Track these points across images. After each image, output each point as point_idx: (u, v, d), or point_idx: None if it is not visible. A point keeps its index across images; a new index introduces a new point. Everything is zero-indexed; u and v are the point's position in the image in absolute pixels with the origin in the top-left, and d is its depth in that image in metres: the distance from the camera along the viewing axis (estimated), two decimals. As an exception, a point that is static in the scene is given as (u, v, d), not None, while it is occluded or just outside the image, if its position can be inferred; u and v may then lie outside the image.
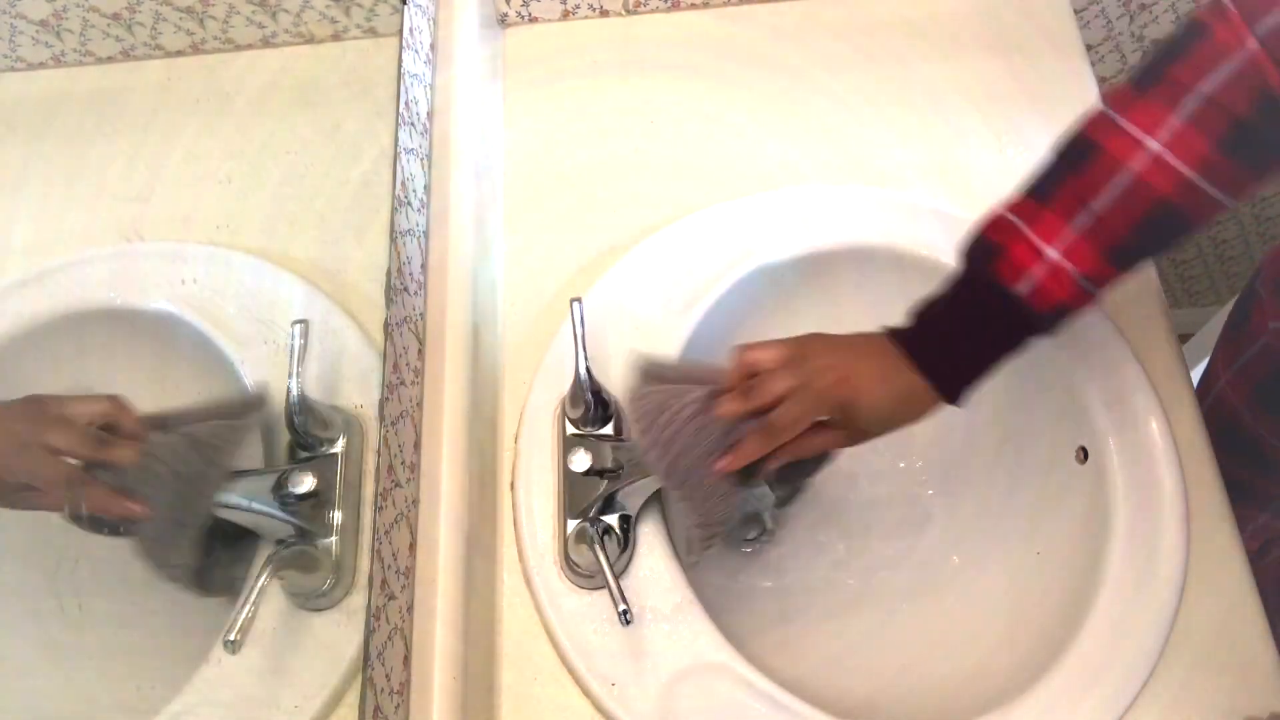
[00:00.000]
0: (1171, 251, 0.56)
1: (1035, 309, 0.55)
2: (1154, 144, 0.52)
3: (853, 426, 0.58)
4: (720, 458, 0.57)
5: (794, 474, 0.62)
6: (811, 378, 0.57)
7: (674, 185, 0.81)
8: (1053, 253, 0.54)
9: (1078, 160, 0.55)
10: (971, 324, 0.57)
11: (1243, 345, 0.79)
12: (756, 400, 0.57)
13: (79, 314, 0.63)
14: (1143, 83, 0.54)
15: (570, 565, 0.66)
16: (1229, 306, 0.89)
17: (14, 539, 0.62)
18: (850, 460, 0.82)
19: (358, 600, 0.58)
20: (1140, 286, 0.77)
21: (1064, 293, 0.54)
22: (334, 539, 0.59)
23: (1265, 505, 0.85)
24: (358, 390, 0.64)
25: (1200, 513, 0.68)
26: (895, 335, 0.58)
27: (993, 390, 0.78)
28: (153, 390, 0.66)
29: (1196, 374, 0.81)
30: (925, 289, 0.77)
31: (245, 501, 0.55)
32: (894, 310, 0.81)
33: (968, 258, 0.58)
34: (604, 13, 0.89)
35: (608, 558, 0.61)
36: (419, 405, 0.63)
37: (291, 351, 0.58)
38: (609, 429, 0.69)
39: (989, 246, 0.56)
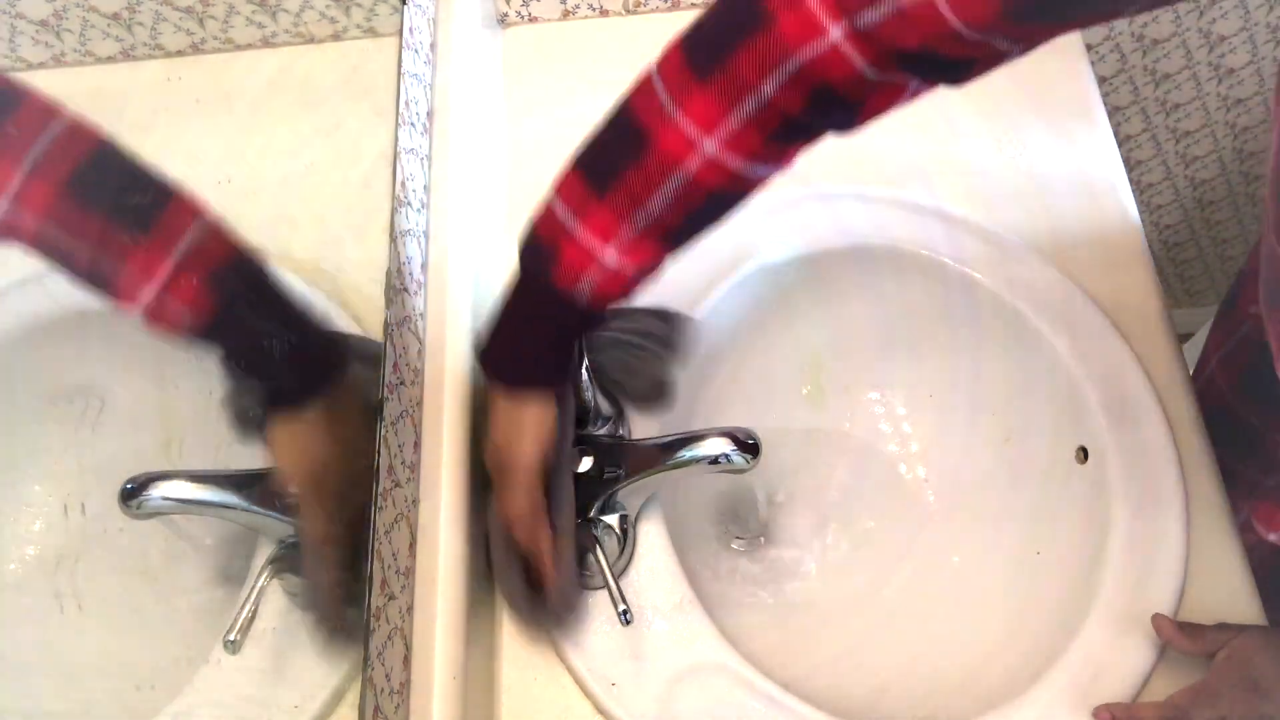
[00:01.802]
0: (719, 225, 0.55)
1: (595, 309, 0.54)
2: (710, 145, 0.49)
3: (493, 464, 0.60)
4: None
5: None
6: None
7: (674, 185, 0.81)
8: (609, 256, 0.52)
9: (631, 148, 0.51)
10: (535, 330, 0.56)
11: (1230, 330, 0.79)
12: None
13: (79, 314, 0.63)
14: (702, 68, 0.49)
15: (570, 565, 0.66)
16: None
17: (14, 539, 0.62)
18: (851, 460, 0.82)
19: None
20: (1140, 286, 0.77)
21: (620, 288, 0.54)
22: (334, 539, 0.59)
23: (1253, 492, 0.85)
24: (358, 390, 0.64)
25: (1200, 512, 0.68)
26: (486, 362, 0.59)
27: (993, 391, 0.79)
28: (153, 390, 0.66)
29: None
30: (925, 289, 0.78)
31: (245, 502, 0.55)
32: (894, 310, 0.81)
33: (522, 258, 0.56)
34: (604, 13, 0.89)
35: (607, 558, 0.61)
36: (419, 405, 0.63)
37: (291, 351, 0.57)
38: (609, 429, 0.69)
39: (541, 248, 0.54)
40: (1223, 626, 0.60)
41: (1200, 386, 0.76)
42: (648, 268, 0.54)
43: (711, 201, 0.52)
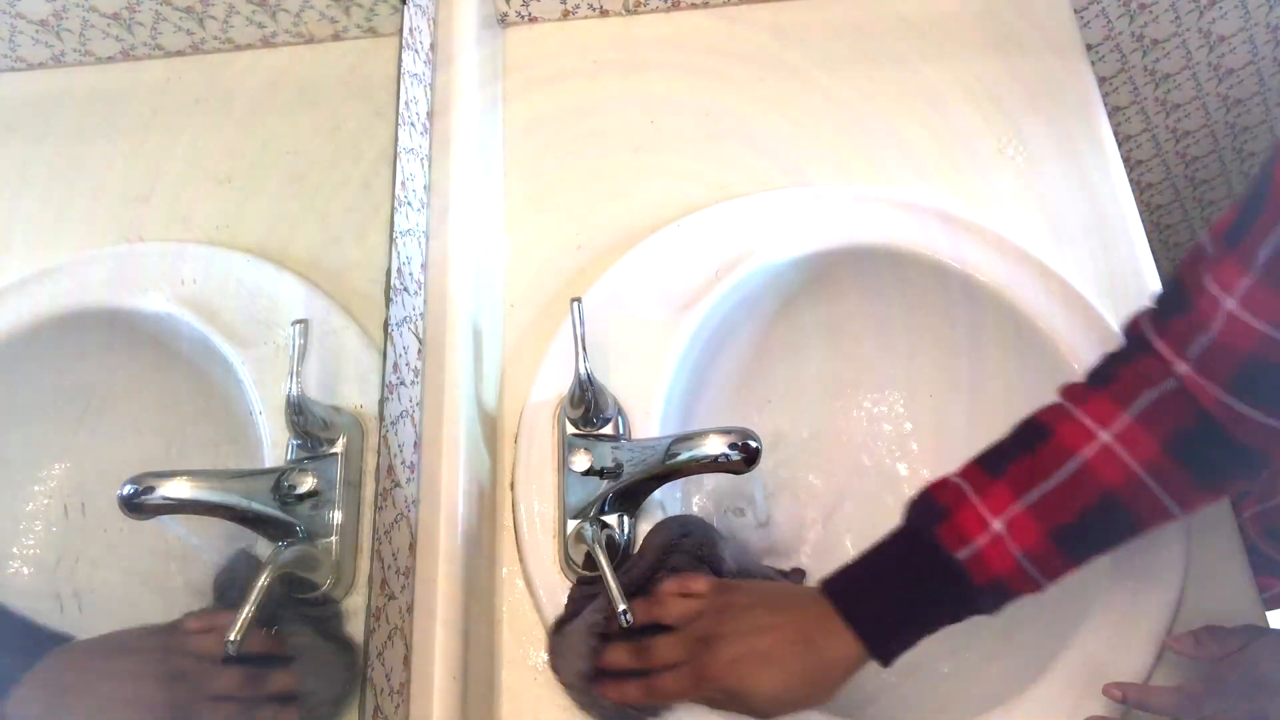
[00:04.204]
0: (1115, 550, 0.56)
1: (973, 579, 0.54)
2: (1105, 435, 0.54)
3: (740, 708, 0.58)
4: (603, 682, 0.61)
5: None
6: (706, 659, 0.57)
7: (674, 185, 0.81)
8: (997, 524, 0.54)
9: (1031, 441, 0.56)
10: (911, 585, 0.56)
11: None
12: (642, 662, 0.60)
13: (79, 314, 0.63)
14: (1095, 380, 0.57)
15: (570, 565, 0.66)
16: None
17: (14, 539, 0.62)
18: (851, 460, 0.82)
19: (358, 600, 0.58)
20: (1140, 285, 0.77)
21: (1003, 566, 0.54)
22: (334, 539, 0.59)
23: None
24: (358, 390, 0.64)
25: (1200, 514, 0.68)
26: (831, 591, 0.58)
27: (993, 391, 0.79)
28: (153, 390, 0.66)
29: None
30: (925, 289, 0.78)
31: (245, 501, 0.55)
32: (893, 310, 0.81)
33: (911, 516, 0.58)
34: (604, 13, 0.89)
35: (607, 558, 0.61)
36: (419, 405, 0.63)
37: (291, 351, 0.58)
38: (609, 429, 0.69)
39: (935, 509, 0.56)
40: (1246, 628, 0.60)
41: None
42: (1031, 553, 0.54)
43: (1103, 499, 0.54)
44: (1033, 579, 0.55)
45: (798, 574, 0.73)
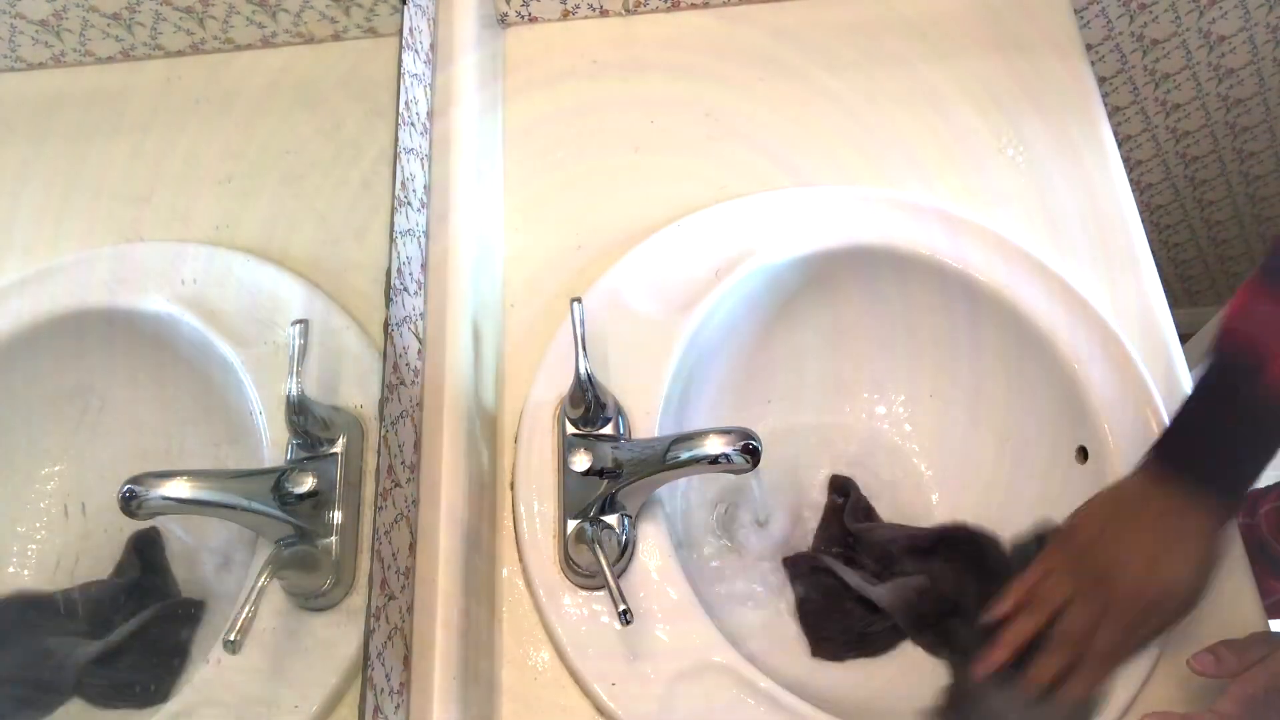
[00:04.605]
0: None
1: None
2: None
3: (1165, 616, 0.58)
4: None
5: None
6: (1114, 592, 0.56)
7: (674, 185, 0.81)
8: None
9: None
10: (1244, 434, 0.56)
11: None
12: (1039, 615, 0.58)
13: (79, 314, 0.63)
14: None
15: (570, 565, 0.66)
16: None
17: (13, 539, 0.62)
18: (852, 460, 0.82)
19: (358, 600, 0.58)
20: (1140, 286, 0.77)
21: None
22: (334, 539, 0.59)
23: None
24: (358, 390, 0.64)
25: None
26: (1176, 466, 0.57)
27: (993, 390, 0.79)
28: (153, 390, 0.66)
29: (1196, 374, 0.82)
30: (925, 289, 0.78)
31: (245, 501, 0.55)
32: (893, 310, 0.81)
33: (1223, 367, 0.56)
34: (604, 13, 0.89)
35: (607, 558, 0.61)
36: (419, 405, 0.63)
37: (291, 351, 0.58)
38: (609, 429, 0.69)
39: (1245, 361, 0.54)
40: (1258, 638, 0.60)
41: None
42: None
43: None
44: None
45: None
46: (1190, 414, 0.57)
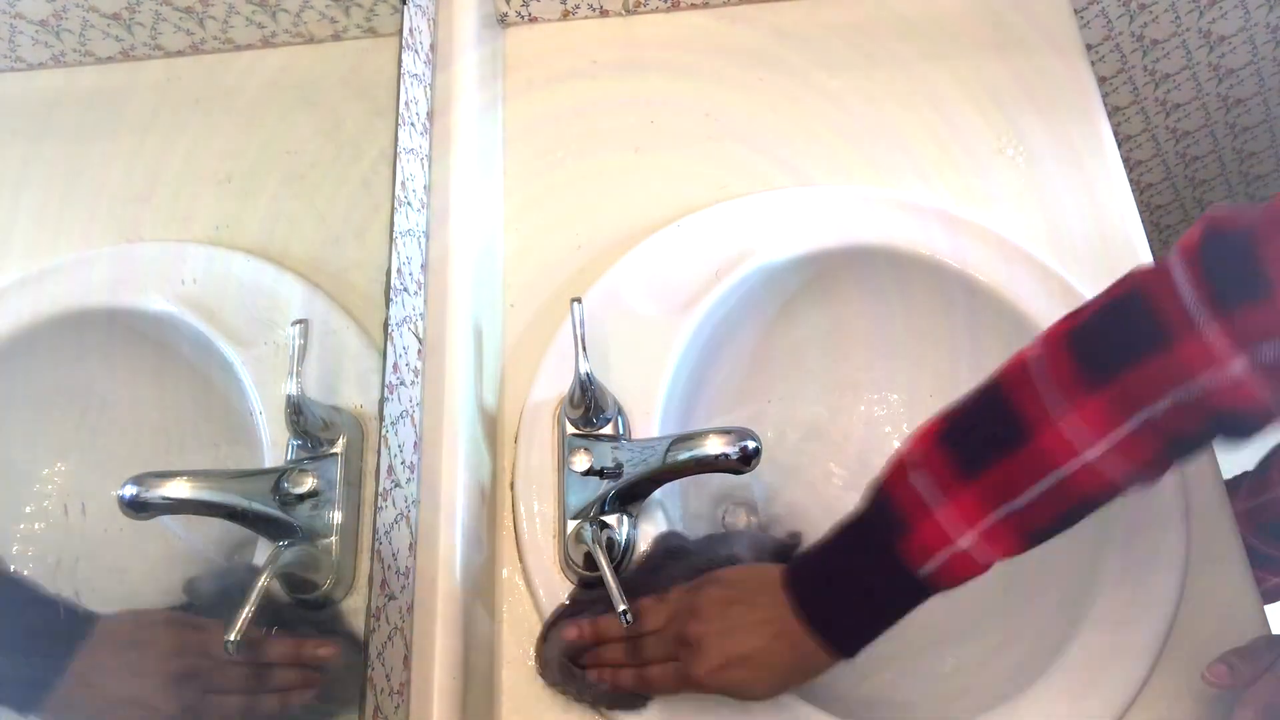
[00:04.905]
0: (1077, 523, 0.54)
1: (940, 585, 0.53)
2: (1092, 453, 0.48)
3: (737, 696, 0.59)
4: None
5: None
6: (692, 663, 0.57)
7: (674, 185, 0.81)
8: (966, 541, 0.51)
9: (1008, 439, 0.50)
10: (871, 592, 0.54)
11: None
12: (632, 658, 0.61)
13: (79, 314, 0.63)
14: (1092, 370, 0.48)
15: (570, 565, 0.66)
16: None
17: (14, 540, 0.62)
18: (852, 461, 0.82)
19: (358, 600, 0.58)
20: (1140, 286, 0.77)
21: (969, 572, 0.52)
22: (334, 539, 0.59)
23: None
24: (358, 390, 0.64)
25: (1200, 512, 0.68)
26: (795, 593, 0.56)
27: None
28: (153, 390, 0.66)
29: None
30: (925, 289, 0.78)
31: (245, 501, 0.55)
32: (893, 310, 0.81)
33: (869, 515, 0.55)
34: (604, 13, 0.89)
35: (608, 558, 0.61)
36: (419, 405, 0.63)
37: (291, 351, 0.58)
38: (609, 429, 0.69)
39: (894, 517, 0.53)
40: (1263, 642, 0.60)
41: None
42: (998, 558, 0.52)
43: (1080, 505, 0.50)
44: (987, 565, 0.52)
45: (794, 537, 0.72)
46: (829, 551, 0.56)
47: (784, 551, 0.67)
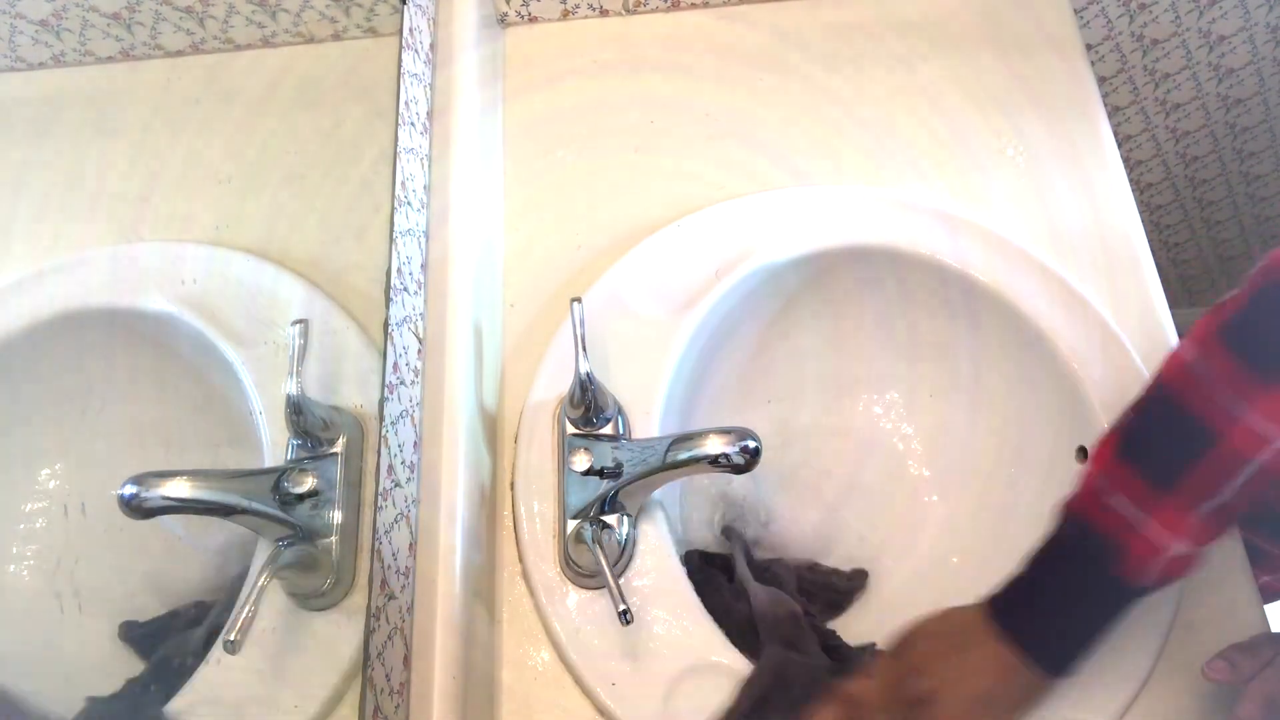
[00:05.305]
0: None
1: (1160, 586, 0.55)
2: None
3: None
4: None
5: None
6: (923, 706, 0.56)
7: (674, 185, 0.81)
8: (1179, 547, 0.53)
9: (1195, 445, 0.52)
10: (1093, 619, 0.56)
11: None
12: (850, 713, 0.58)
13: (79, 314, 0.63)
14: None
15: (570, 565, 0.66)
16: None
17: (14, 539, 0.62)
18: (852, 460, 0.82)
19: (358, 600, 0.58)
20: (1140, 286, 0.77)
21: (1188, 565, 0.54)
22: (334, 539, 0.59)
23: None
24: (358, 390, 0.64)
25: (1200, 513, 0.68)
26: (1012, 633, 0.56)
27: (993, 390, 0.79)
28: (153, 391, 0.66)
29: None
30: (925, 289, 0.78)
31: (245, 501, 0.55)
32: (892, 310, 0.81)
33: (1079, 551, 0.56)
34: (604, 12, 0.89)
35: (607, 558, 0.61)
36: (419, 405, 0.63)
37: (291, 351, 0.58)
38: (609, 429, 0.69)
39: (1105, 544, 0.54)
40: (1262, 639, 0.60)
41: None
42: (1212, 544, 0.54)
43: (1277, 480, 0.52)
44: (1203, 555, 0.54)
45: (860, 575, 0.73)
46: (1037, 582, 0.57)
47: (835, 588, 0.70)
